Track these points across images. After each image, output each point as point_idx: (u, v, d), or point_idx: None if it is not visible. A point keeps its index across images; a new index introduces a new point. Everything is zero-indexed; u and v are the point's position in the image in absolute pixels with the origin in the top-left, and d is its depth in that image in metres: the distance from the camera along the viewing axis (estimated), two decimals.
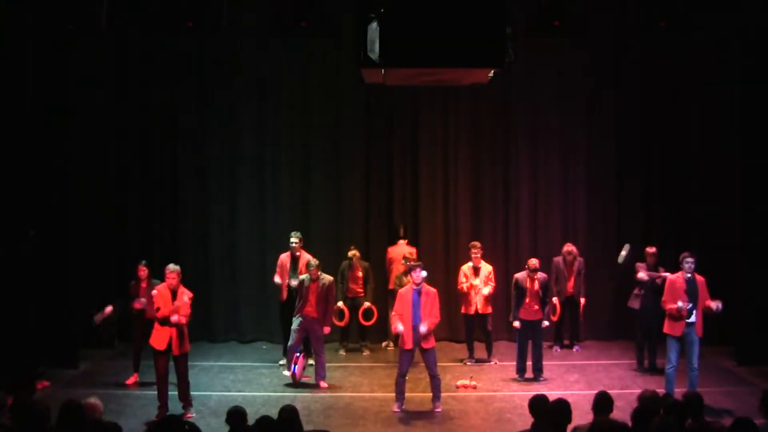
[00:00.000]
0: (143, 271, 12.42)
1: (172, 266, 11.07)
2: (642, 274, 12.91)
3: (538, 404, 7.12)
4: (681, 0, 13.01)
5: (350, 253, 14.17)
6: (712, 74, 14.56)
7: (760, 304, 13.30)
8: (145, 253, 13.72)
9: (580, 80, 15.23)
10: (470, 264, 13.62)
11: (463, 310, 13.76)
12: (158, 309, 10.95)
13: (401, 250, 14.56)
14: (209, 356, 13.96)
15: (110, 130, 14.87)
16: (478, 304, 13.53)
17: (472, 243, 13.86)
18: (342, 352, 14.34)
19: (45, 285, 12.98)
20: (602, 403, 7.18)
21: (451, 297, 14.31)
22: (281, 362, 13.39)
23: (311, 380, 12.53)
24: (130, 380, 12.51)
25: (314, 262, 12.53)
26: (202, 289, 13.83)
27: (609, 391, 7.37)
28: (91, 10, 12.06)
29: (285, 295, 13.49)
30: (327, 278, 12.57)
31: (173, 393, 11.13)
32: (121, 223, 15.08)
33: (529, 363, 12.77)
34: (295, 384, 12.40)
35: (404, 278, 13.35)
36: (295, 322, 12.52)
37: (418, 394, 11.83)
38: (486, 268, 13.64)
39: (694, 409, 7.16)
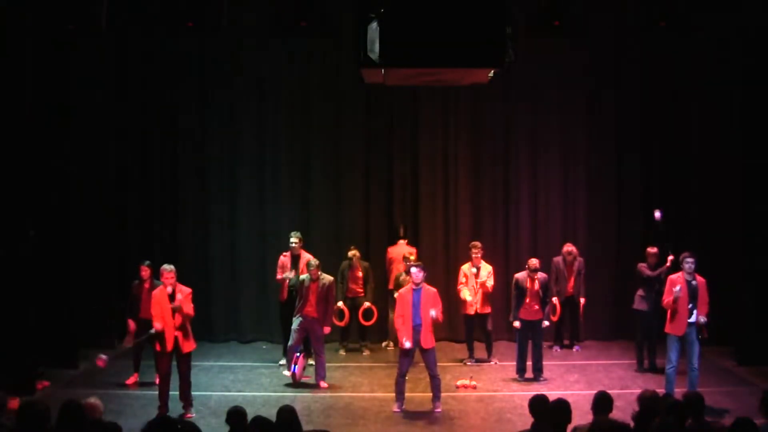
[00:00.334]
0: (146, 272, 12.41)
1: (167, 266, 11.07)
2: (649, 273, 12.91)
3: (538, 404, 7.11)
4: (681, 0, 13.02)
5: (350, 253, 14.17)
6: (712, 74, 14.56)
7: (760, 304, 13.30)
8: (145, 253, 13.69)
9: (580, 80, 15.23)
10: (470, 264, 13.65)
11: (463, 310, 13.77)
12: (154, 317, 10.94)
13: (401, 250, 14.56)
14: (209, 356, 13.94)
15: (110, 130, 14.85)
16: (477, 304, 13.56)
17: (473, 243, 13.86)
18: (342, 352, 14.34)
19: (45, 285, 12.97)
20: (602, 403, 7.18)
21: (451, 297, 14.30)
22: (281, 362, 13.40)
23: (311, 380, 12.53)
24: (130, 380, 12.51)
25: (314, 262, 12.54)
26: (202, 289, 13.83)
27: (609, 391, 7.36)
28: (91, 10, 12.06)
29: (285, 294, 13.50)
30: (327, 278, 12.57)
31: (174, 393, 11.12)
32: (121, 223, 15.07)
33: (529, 363, 12.77)
34: (295, 384, 12.40)
35: (405, 278, 13.34)
36: (295, 322, 12.52)
37: (418, 394, 11.83)
38: (486, 268, 13.65)
39: (695, 409, 7.15)
